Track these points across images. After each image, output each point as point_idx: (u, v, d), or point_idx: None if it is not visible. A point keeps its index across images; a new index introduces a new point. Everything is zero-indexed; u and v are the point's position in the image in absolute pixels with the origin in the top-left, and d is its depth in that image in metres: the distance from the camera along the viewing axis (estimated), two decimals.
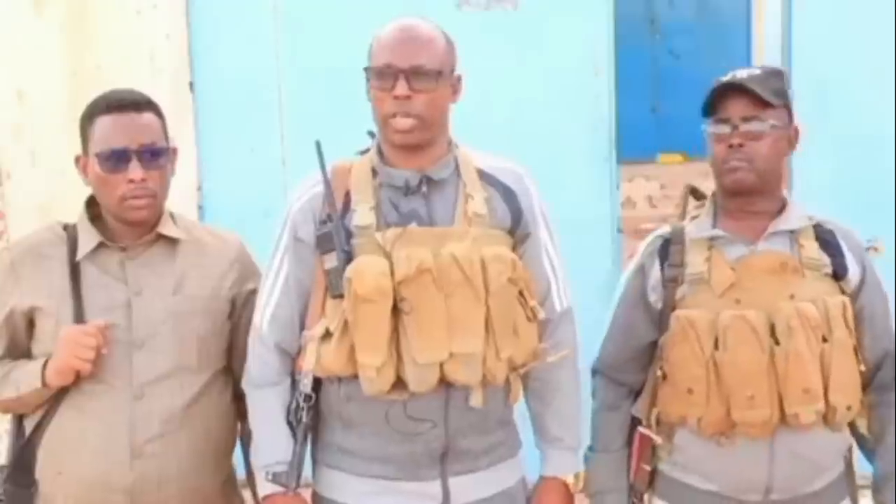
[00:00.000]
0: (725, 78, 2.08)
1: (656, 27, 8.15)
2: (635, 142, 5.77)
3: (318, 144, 2.02)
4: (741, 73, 2.08)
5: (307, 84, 3.94)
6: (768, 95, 2.03)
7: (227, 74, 4.00)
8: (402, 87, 1.92)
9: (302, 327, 2.02)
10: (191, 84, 4.01)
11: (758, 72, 2.09)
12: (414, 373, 1.90)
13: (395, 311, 1.90)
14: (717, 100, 2.06)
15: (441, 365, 1.90)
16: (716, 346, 2.01)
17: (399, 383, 1.92)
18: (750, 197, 2.08)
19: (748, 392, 1.99)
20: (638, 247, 2.23)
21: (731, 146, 2.03)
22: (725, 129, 2.05)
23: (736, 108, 2.04)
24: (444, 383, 1.93)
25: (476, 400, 1.96)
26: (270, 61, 3.97)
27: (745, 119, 2.04)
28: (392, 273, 1.89)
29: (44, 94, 4.02)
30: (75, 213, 2.17)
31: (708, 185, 2.27)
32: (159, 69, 3.96)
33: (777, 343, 1.99)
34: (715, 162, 2.08)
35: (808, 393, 1.98)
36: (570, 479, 2.14)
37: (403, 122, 1.94)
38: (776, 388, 1.99)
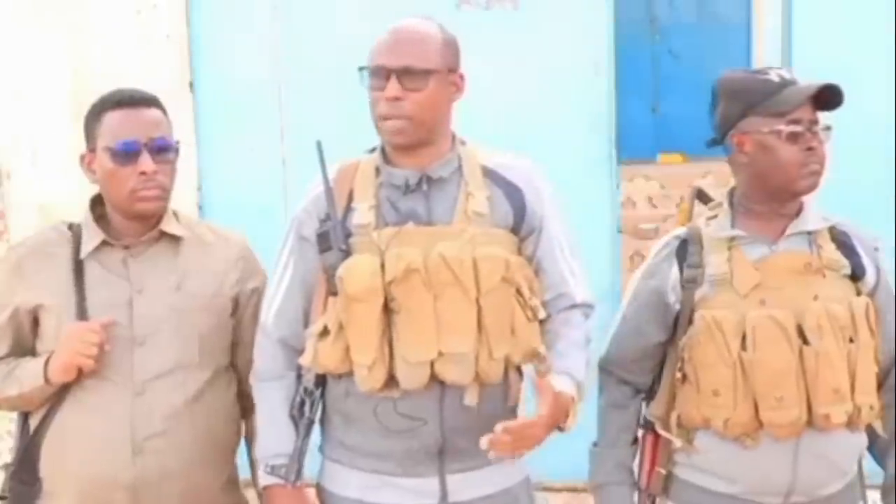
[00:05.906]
0: (788, 77, 2.04)
1: (656, 27, 8.13)
2: (635, 142, 5.76)
3: (318, 145, 2.03)
4: (786, 73, 2.06)
5: (307, 84, 3.94)
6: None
7: (227, 74, 4.01)
8: (392, 88, 1.93)
9: (307, 324, 2.03)
10: (191, 84, 4.01)
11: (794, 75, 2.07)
12: (405, 371, 1.92)
13: (388, 309, 1.91)
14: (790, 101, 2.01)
15: (432, 364, 1.91)
16: (742, 347, 1.99)
17: (392, 381, 1.93)
18: (794, 199, 2.06)
19: (777, 393, 1.97)
20: (651, 247, 2.21)
21: (809, 149, 2.00)
22: (799, 129, 2.00)
23: (806, 111, 2.01)
24: (439, 382, 1.94)
25: (470, 399, 1.96)
26: (270, 61, 3.97)
27: (814, 122, 2.02)
28: (383, 272, 1.90)
29: (44, 94, 4.02)
30: (75, 212, 2.18)
31: (706, 185, 2.25)
32: (159, 69, 3.96)
33: (806, 343, 1.98)
34: (786, 164, 2.00)
35: (838, 393, 1.97)
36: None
37: (393, 124, 1.95)
38: (805, 388, 1.97)
